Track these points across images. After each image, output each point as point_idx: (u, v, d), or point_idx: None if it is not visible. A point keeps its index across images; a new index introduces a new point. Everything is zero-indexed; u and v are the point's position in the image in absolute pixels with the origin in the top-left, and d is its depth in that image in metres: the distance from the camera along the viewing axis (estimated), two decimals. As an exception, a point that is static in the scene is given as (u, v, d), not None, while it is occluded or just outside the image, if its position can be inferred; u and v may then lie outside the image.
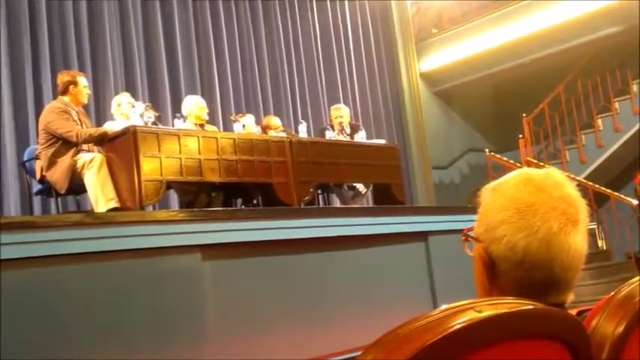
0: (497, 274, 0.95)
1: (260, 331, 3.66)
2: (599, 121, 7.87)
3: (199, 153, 4.35)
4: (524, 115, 7.95)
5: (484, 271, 0.96)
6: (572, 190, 0.96)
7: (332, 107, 6.43)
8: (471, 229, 1.01)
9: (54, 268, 2.96)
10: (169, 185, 4.51)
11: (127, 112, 4.79)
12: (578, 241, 0.93)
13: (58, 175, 4.23)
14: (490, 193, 0.98)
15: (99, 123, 5.45)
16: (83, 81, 4.58)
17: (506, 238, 0.92)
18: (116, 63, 6.22)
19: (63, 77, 4.53)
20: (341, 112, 6.17)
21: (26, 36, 5.59)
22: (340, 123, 6.05)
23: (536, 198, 0.92)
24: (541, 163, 7.35)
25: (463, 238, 1.02)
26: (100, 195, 4.07)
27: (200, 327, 3.41)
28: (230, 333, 3.55)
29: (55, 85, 4.79)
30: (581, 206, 0.95)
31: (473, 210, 1.01)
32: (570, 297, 0.95)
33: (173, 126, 4.98)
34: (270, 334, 3.69)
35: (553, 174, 0.97)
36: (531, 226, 0.91)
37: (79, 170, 4.20)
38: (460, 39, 8.43)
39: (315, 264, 4.12)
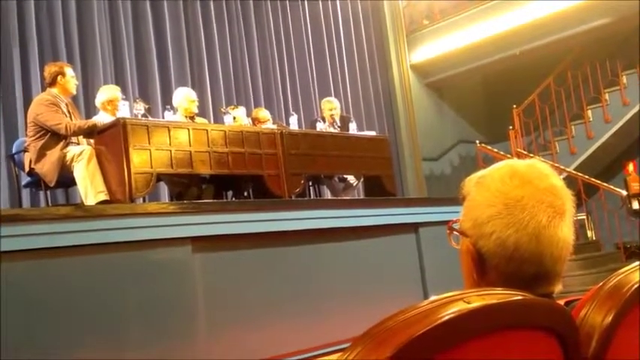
0: (487, 269, 0.94)
1: (250, 323, 3.66)
2: (589, 112, 7.90)
3: (190, 145, 4.33)
4: (514, 106, 7.97)
5: (473, 266, 0.95)
6: (557, 180, 0.95)
7: (323, 100, 6.40)
8: (455, 222, 1.00)
9: (43, 261, 2.94)
10: (159, 177, 4.49)
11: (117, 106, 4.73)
12: (565, 233, 0.93)
13: (47, 167, 4.20)
14: (475, 187, 0.97)
15: (88, 116, 5.41)
16: (70, 71, 4.54)
17: (495, 234, 0.91)
18: (105, 55, 6.17)
19: (50, 69, 4.49)
20: (332, 105, 6.16)
21: (14, 27, 5.53)
22: (332, 116, 6.04)
23: (524, 192, 0.91)
24: (531, 155, 7.37)
25: (448, 231, 1.01)
26: (90, 188, 4.05)
27: (190, 319, 3.41)
28: (220, 325, 3.55)
29: (42, 77, 4.75)
30: (567, 196, 0.95)
31: (460, 201, 1.01)
32: (558, 287, 0.95)
33: (163, 118, 4.95)
34: (260, 327, 3.69)
35: (537, 165, 0.96)
36: (520, 221, 0.90)
37: (68, 163, 4.18)
38: (451, 31, 8.42)
39: (305, 256, 4.13)
